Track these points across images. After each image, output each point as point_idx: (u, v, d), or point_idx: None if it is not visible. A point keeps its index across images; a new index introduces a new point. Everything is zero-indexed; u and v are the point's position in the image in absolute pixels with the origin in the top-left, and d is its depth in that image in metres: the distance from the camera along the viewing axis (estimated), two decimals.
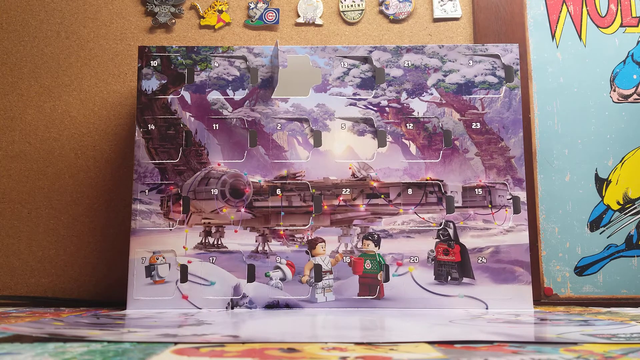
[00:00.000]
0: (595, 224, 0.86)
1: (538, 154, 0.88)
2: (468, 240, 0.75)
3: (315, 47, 0.81)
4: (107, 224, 0.90)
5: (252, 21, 0.93)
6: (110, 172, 0.91)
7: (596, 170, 0.88)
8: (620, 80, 0.90)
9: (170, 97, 0.79)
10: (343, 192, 0.76)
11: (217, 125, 0.78)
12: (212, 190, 0.76)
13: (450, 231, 0.76)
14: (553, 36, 0.91)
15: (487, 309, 0.73)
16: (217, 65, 0.80)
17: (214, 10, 0.94)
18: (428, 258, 0.75)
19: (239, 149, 0.78)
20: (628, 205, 0.86)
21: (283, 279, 0.74)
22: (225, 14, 0.94)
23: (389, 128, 0.79)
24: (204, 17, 0.94)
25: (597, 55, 0.91)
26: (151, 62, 0.80)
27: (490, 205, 0.76)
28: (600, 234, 0.86)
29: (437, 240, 0.76)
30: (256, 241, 0.76)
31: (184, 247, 0.75)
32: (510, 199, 0.76)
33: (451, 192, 0.77)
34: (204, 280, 0.74)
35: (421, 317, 0.62)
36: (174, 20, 0.94)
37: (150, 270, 0.74)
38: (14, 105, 0.93)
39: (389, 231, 0.76)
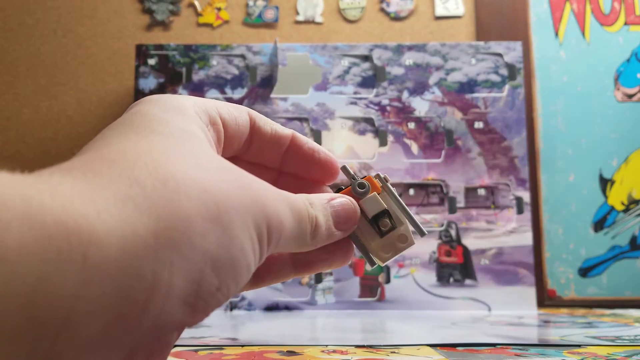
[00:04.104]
0: (599, 225, 0.86)
1: (541, 153, 0.88)
2: (471, 242, 0.75)
3: (315, 45, 0.80)
4: None
5: (251, 19, 0.93)
6: None
7: (600, 170, 0.87)
8: (624, 79, 0.89)
9: None
10: None
11: None
12: None
13: (453, 232, 0.75)
14: (556, 34, 0.91)
15: (489, 311, 0.72)
16: (215, 63, 0.79)
17: (213, 8, 0.93)
18: (430, 259, 0.74)
19: None
20: (632, 206, 0.86)
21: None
22: (224, 12, 0.93)
23: (389, 127, 0.78)
24: (202, 15, 0.93)
25: (600, 53, 0.90)
26: (148, 60, 0.79)
27: (493, 206, 0.75)
28: (605, 234, 0.85)
29: (439, 241, 0.75)
30: None
31: None
32: (513, 200, 0.76)
33: (453, 192, 0.76)
34: None
35: (423, 320, 0.61)
36: (171, 18, 0.93)
37: None
38: (10, 105, 0.93)
39: None
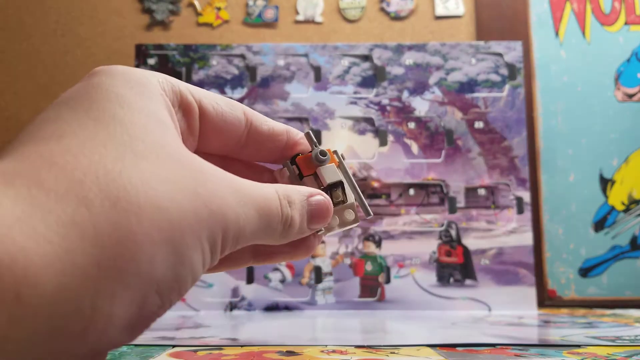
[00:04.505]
0: (599, 225, 0.86)
1: (541, 153, 0.87)
2: (471, 242, 0.75)
3: (315, 45, 0.80)
4: None
5: (250, 19, 0.92)
6: None
7: (600, 170, 0.87)
8: (624, 79, 0.89)
9: None
10: None
11: None
12: None
13: (453, 232, 0.75)
14: (557, 34, 0.90)
15: (489, 311, 0.72)
16: (215, 63, 0.79)
17: (212, 8, 0.93)
18: (430, 259, 0.74)
19: None
20: (632, 206, 0.86)
21: (282, 281, 0.73)
22: (224, 12, 0.93)
23: (389, 127, 0.78)
24: (201, 15, 0.93)
25: (601, 53, 0.90)
26: (148, 60, 0.79)
27: (493, 206, 0.75)
28: (605, 234, 0.85)
29: (439, 241, 0.75)
30: None
31: None
32: (513, 200, 0.75)
33: (453, 192, 0.76)
34: (202, 282, 0.73)
35: (423, 320, 0.61)
36: (171, 18, 0.93)
37: None
38: (9, 105, 0.93)
39: (390, 232, 0.75)
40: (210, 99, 0.24)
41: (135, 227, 0.17)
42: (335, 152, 0.28)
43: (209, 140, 0.25)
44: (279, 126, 0.28)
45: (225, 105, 0.25)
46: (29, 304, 0.14)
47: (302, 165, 0.27)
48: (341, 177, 0.27)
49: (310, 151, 0.28)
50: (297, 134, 0.28)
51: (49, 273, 0.15)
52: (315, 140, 0.28)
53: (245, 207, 0.21)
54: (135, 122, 0.19)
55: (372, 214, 0.28)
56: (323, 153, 0.27)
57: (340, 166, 0.28)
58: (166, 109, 0.21)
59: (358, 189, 0.28)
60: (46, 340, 0.15)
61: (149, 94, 0.21)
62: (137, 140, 0.19)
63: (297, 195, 0.24)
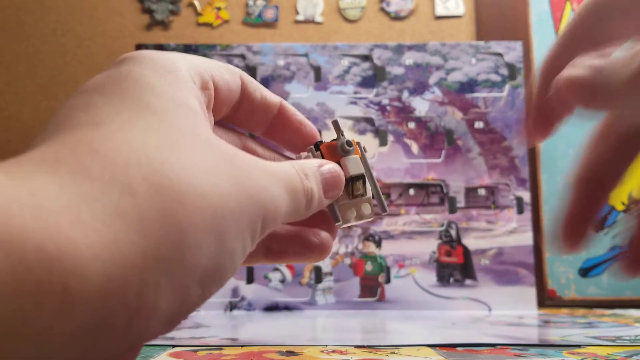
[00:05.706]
0: (599, 225, 0.85)
1: (541, 153, 0.87)
2: (471, 242, 0.75)
3: (315, 45, 0.80)
4: None
5: (250, 19, 0.92)
6: None
7: None
8: None
9: None
10: None
11: None
12: None
13: (453, 232, 0.75)
14: (557, 34, 0.90)
15: (490, 311, 0.72)
16: None
17: (212, 8, 0.93)
18: (430, 259, 0.74)
19: None
20: (632, 206, 0.86)
21: (282, 281, 0.73)
22: (224, 11, 0.93)
23: (389, 127, 0.78)
24: (201, 15, 0.93)
25: None
26: None
27: (493, 206, 0.75)
28: (605, 234, 0.85)
29: (439, 241, 0.75)
30: None
31: None
32: (513, 200, 0.75)
33: (453, 192, 0.76)
34: None
35: (423, 320, 0.61)
36: (171, 18, 0.93)
37: None
38: (9, 105, 0.93)
39: (390, 232, 0.75)
40: (219, 71, 0.24)
41: (180, 214, 0.16)
42: (358, 143, 0.28)
43: (216, 110, 0.25)
44: (272, 96, 0.27)
45: (227, 73, 0.25)
46: (77, 296, 0.14)
47: (325, 153, 0.27)
48: (363, 170, 0.27)
49: (335, 139, 0.28)
50: (294, 112, 0.28)
51: (97, 264, 0.14)
52: (342, 129, 0.28)
53: (278, 188, 0.21)
54: (169, 111, 0.19)
55: (387, 210, 0.28)
56: (349, 143, 0.27)
57: (362, 158, 0.28)
58: (195, 98, 0.21)
59: (376, 183, 0.28)
60: (91, 334, 0.15)
61: (178, 83, 0.21)
62: (173, 129, 0.19)
63: (309, 168, 0.24)
